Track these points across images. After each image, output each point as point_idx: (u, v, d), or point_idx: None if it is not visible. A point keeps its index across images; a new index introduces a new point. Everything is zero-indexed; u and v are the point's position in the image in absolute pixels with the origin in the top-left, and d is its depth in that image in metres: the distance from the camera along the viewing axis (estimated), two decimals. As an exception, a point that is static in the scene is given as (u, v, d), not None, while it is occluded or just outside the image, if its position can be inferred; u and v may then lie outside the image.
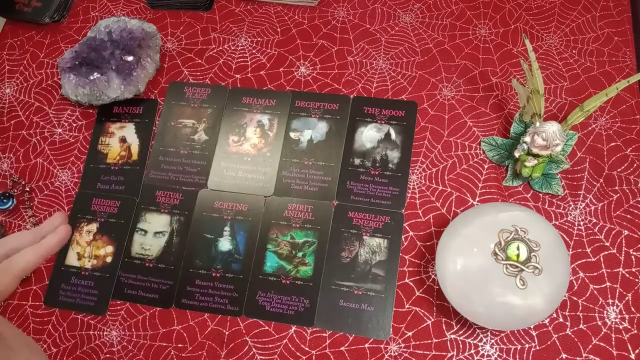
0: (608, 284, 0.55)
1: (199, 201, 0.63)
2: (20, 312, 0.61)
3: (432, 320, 0.56)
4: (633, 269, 0.56)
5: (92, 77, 0.65)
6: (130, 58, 0.66)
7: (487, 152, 0.61)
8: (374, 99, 0.65)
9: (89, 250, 0.63)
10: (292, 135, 0.65)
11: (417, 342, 0.55)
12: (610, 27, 0.66)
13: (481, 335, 0.55)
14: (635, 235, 0.57)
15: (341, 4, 0.72)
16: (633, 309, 0.54)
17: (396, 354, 0.55)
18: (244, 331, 0.57)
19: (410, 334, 0.55)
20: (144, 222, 0.63)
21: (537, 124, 0.55)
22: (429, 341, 0.55)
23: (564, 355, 0.53)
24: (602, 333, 0.54)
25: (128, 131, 0.68)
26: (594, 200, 0.59)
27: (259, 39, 0.71)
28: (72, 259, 0.62)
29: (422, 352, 0.55)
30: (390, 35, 0.69)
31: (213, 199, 0.63)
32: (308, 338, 0.56)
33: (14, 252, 0.42)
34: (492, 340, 0.54)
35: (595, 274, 0.56)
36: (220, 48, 0.71)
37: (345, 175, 0.62)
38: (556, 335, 0.54)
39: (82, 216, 0.64)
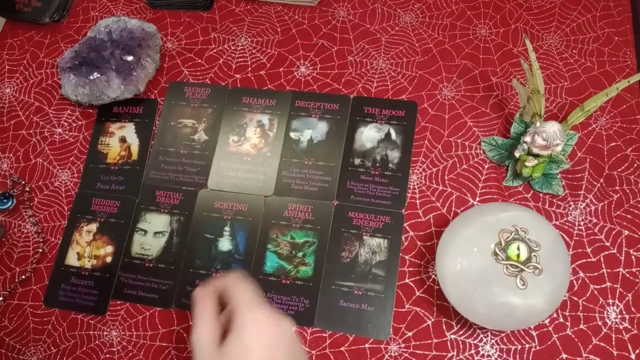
0: (608, 284, 0.55)
1: (199, 201, 0.63)
2: (20, 312, 0.61)
3: (432, 320, 0.56)
4: (633, 269, 0.56)
5: (92, 77, 0.65)
6: (130, 58, 0.66)
7: (487, 152, 0.61)
8: (374, 99, 0.65)
9: (89, 250, 0.62)
10: (292, 135, 0.65)
11: (417, 342, 0.55)
12: (611, 27, 0.66)
13: (481, 335, 0.55)
14: (636, 235, 0.57)
15: (341, 4, 0.72)
16: (633, 309, 0.54)
17: (396, 354, 0.55)
18: (244, 331, 0.57)
19: (410, 334, 0.55)
20: (144, 222, 0.63)
21: (538, 124, 0.55)
22: (429, 341, 0.55)
23: (564, 356, 0.53)
24: (603, 333, 0.54)
25: (128, 131, 0.68)
26: (594, 200, 0.59)
27: (259, 38, 0.71)
28: (71, 259, 0.62)
29: (422, 352, 0.55)
30: (390, 35, 0.69)
31: (213, 199, 0.63)
32: (308, 338, 0.56)
33: None
34: (492, 340, 0.54)
35: (595, 274, 0.56)
36: (220, 48, 0.71)
37: (345, 175, 0.62)
38: (556, 335, 0.54)
39: (82, 216, 0.64)
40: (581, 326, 0.54)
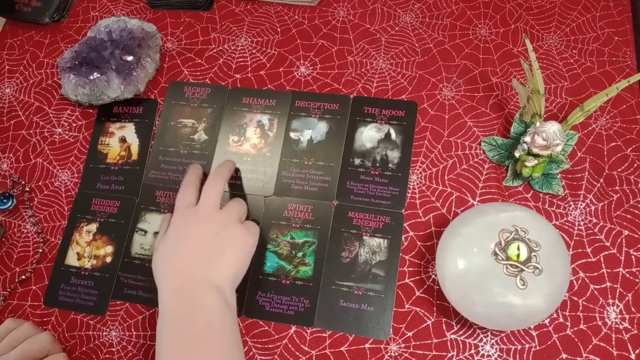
0: (608, 284, 0.55)
1: (199, 201, 0.63)
2: (19, 312, 0.61)
3: (432, 320, 0.56)
4: (633, 269, 0.56)
5: (92, 77, 0.65)
6: (130, 58, 0.66)
7: (487, 152, 0.61)
8: (374, 98, 0.65)
9: (89, 250, 0.62)
10: (292, 135, 0.65)
11: (417, 342, 0.55)
12: (611, 27, 0.66)
13: (481, 335, 0.55)
14: (636, 235, 0.57)
15: (341, 4, 0.72)
16: (633, 309, 0.54)
17: (396, 354, 0.55)
18: (243, 331, 0.57)
19: (410, 334, 0.55)
20: (144, 222, 0.63)
21: (538, 124, 0.55)
22: (429, 341, 0.55)
23: (564, 355, 0.53)
24: (603, 333, 0.54)
25: (128, 131, 0.68)
26: (594, 200, 0.58)
27: (259, 38, 0.71)
28: (71, 259, 0.62)
29: (422, 352, 0.55)
30: (390, 35, 0.69)
31: (213, 199, 0.63)
32: (308, 338, 0.56)
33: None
34: (492, 340, 0.54)
35: (595, 274, 0.56)
36: (220, 48, 0.71)
37: (345, 175, 0.62)
38: (556, 335, 0.54)
39: (82, 216, 0.64)
40: (581, 326, 0.54)
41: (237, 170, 0.63)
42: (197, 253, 0.52)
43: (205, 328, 0.48)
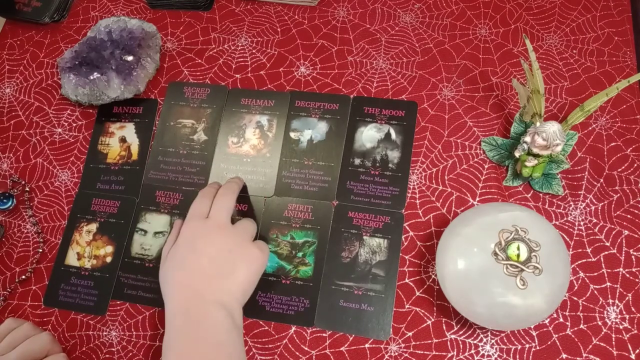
0: (608, 284, 0.55)
1: (199, 201, 0.63)
2: (19, 312, 0.61)
3: (432, 320, 0.56)
4: (633, 269, 0.56)
5: (92, 77, 0.65)
6: (130, 58, 0.66)
7: (487, 152, 0.61)
8: (374, 98, 0.65)
9: (89, 250, 0.62)
10: (292, 135, 0.65)
11: (417, 342, 0.55)
12: (611, 27, 0.66)
13: (481, 335, 0.55)
14: (636, 235, 0.57)
15: (341, 4, 0.72)
16: (633, 309, 0.54)
17: (396, 354, 0.55)
18: (243, 331, 0.57)
19: (410, 334, 0.55)
20: (144, 222, 0.63)
21: (538, 123, 0.55)
22: (429, 341, 0.55)
23: (564, 355, 0.53)
24: (603, 333, 0.54)
25: (128, 131, 0.68)
26: (594, 200, 0.58)
27: (259, 38, 0.71)
28: (71, 259, 0.62)
29: (422, 352, 0.55)
30: (390, 35, 0.69)
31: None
32: (308, 338, 0.56)
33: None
34: (492, 340, 0.54)
35: (595, 274, 0.56)
36: (220, 48, 0.71)
37: (345, 175, 0.62)
38: (556, 335, 0.54)
39: (82, 216, 0.64)
40: (581, 326, 0.54)
41: (244, 188, 0.63)
42: (208, 269, 0.52)
43: (212, 345, 0.48)
